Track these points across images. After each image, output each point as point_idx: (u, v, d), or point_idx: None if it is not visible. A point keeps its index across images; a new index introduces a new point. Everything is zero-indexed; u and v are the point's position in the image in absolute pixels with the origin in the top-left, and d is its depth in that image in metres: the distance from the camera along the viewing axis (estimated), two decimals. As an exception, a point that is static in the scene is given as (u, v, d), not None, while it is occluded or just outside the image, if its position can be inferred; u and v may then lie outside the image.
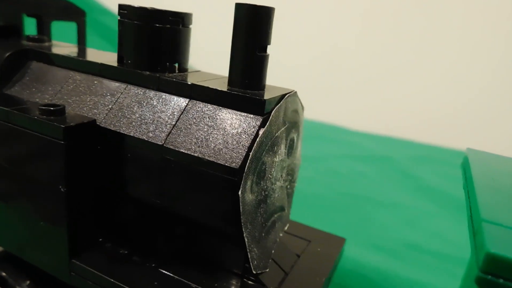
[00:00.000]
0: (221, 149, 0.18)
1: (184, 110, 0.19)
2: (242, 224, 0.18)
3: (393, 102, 0.82)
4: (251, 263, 0.19)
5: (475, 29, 0.74)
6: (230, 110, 0.18)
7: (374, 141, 0.74)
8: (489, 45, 0.73)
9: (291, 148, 0.22)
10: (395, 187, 0.56)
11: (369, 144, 0.72)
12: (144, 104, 0.20)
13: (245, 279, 0.21)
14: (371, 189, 0.54)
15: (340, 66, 0.85)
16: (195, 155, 0.18)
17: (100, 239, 0.22)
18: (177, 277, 0.20)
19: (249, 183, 0.17)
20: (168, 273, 0.20)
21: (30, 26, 0.28)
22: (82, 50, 0.26)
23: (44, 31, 0.28)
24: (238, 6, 0.18)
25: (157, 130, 0.19)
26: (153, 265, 0.21)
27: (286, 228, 0.24)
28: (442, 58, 0.77)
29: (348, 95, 0.85)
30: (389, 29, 0.80)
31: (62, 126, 0.18)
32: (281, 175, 0.21)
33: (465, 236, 0.45)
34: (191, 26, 0.22)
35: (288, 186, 0.23)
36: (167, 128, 0.19)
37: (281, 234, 0.23)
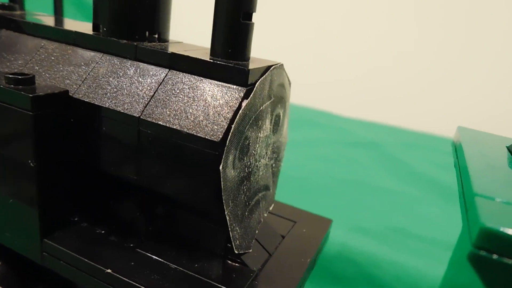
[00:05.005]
0: (202, 121, 0.16)
1: (163, 80, 0.18)
2: (224, 201, 0.17)
3: (383, 89, 0.81)
4: (233, 243, 0.18)
5: (464, 22, 0.73)
6: (211, 81, 0.17)
7: (363, 127, 0.73)
8: (480, 39, 0.73)
9: (276, 125, 0.21)
10: (383, 173, 0.56)
11: (358, 130, 0.71)
12: (121, 74, 0.19)
13: (227, 260, 0.20)
14: (360, 174, 0.53)
15: (331, 53, 0.84)
16: (174, 127, 0.17)
17: (76, 219, 0.21)
18: (156, 258, 0.19)
19: (231, 158, 0.16)
20: (146, 253, 0.20)
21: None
22: (56, 19, 0.24)
23: (16, -1, 0.26)
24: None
25: (133, 102, 0.18)
26: (131, 245, 0.20)
27: (271, 208, 0.23)
28: (434, 46, 0.77)
29: (338, 81, 0.84)
30: (382, 16, 0.79)
31: (30, 95, 0.17)
32: (266, 153, 0.20)
33: (450, 221, 0.45)
34: (172, -7, 0.21)
35: (274, 165, 0.22)
36: (145, 99, 0.18)
37: (265, 214, 0.22)
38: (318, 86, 0.82)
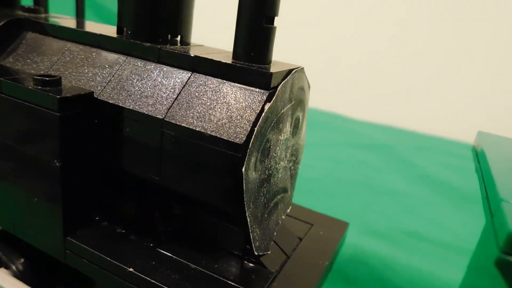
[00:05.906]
0: (225, 123, 0.17)
1: (186, 83, 0.18)
2: (245, 203, 0.17)
3: (396, 93, 0.81)
4: (252, 244, 0.18)
5: (475, 24, 0.73)
6: (234, 84, 0.18)
7: (376, 131, 0.73)
8: (490, 40, 0.72)
9: (296, 128, 0.21)
10: (395, 175, 0.55)
11: (371, 133, 0.71)
12: (144, 76, 0.19)
13: (245, 261, 0.20)
14: (372, 177, 0.53)
15: (344, 56, 0.84)
16: (197, 129, 0.17)
17: (97, 218, 0.22)
18: (176, 257, 0.20)
19: (253, 160, 0.17)
20: (166, 253, 0.20)
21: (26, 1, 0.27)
22: (79, 22, 0.25)
23: (40, 2, 0.27)
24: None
25: (157, 104, 0.18)
26: (151, 244, 0.20)
27: (288, 210, 0.23)
28: (445, 50, 0.76)
29: (351, 84, 0.84)
30: (394, 18, 0.79)
31: (57, 96, 0.17)
32: (285, 155, 0.20)
33: (463, 225, 0.45)
34: (194, -3, 0.21)
35: (292, 167, 0.22)
36: (168, 101, 0.18)
37: (283, 217, 0.22)
38: (330, 89, 0.82)
